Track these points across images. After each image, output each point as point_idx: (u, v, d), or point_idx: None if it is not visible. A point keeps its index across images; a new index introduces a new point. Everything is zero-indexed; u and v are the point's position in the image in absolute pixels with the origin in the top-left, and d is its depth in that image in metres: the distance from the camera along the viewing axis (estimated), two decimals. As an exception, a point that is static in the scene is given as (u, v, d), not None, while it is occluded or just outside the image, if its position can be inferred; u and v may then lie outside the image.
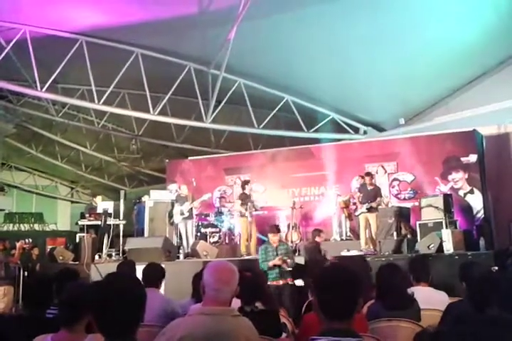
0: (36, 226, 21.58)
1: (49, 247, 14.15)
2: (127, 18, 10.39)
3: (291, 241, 11.19)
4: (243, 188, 10.57)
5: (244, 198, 10.38)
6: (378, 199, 9.74)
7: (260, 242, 11.47)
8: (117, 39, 11.32)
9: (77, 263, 9.83)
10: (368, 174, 10.09)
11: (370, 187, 9.85)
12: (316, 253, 8.51)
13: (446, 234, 8.53)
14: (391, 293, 3.85)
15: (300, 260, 8.80)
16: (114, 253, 10.59)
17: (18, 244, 10.96)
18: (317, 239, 8.84)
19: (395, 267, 4.12)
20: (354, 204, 10.59)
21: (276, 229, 7.77)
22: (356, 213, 10.01)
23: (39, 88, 11.34)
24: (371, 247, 9.46)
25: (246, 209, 10.20)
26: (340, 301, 2.19)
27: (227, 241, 11.42)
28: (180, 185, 11.59)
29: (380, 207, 9.97)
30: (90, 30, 10.98)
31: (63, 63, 11.10)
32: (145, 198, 11.70)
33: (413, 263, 4.71)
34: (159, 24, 10.43)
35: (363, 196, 9.82)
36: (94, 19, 10.55)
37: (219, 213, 11.91)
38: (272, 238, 7.59)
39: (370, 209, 9.61)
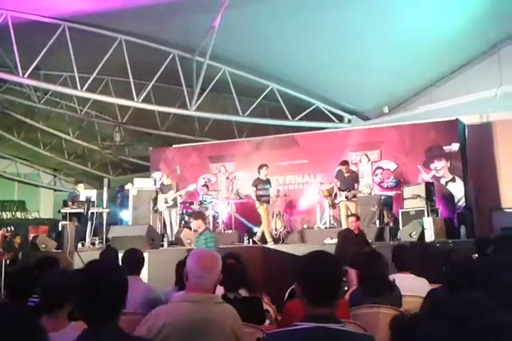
0: (18, 214, 21.38)
1: (31, 235, 14.04)
2: (111, 3, 10.24)
3: (276, 229, 11.24)
4: (258, 173, 10.43)
5: (258, 183, 10.26)
6: (356, 186, 9.76)
7: (245, 229, 11.55)
8: (100, 25, 11.17)
9: (60, 251, 9.78)
10: (344, 163, 10.08)
11: (346, 174, 9.89)
12: (348, 241, 8.09)
13: (428, 221, 8.64)
14: (372, 280, 3.90)
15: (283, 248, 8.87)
16: (97, 242, 10.55)
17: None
18: (351, 225, 8.70)
19: (376, 254, 4.16)
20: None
21: (196, 216, 7.53)
22: (336, 201, 10.05)
23: (21, 74, 11.18)
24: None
25: (262, 196, 10.14)
26: (323, 287, 2.21)
27: (211, 229, 11.42)
28: (163, 174, 11.55)
29: (360, 194, 10.03)
30: (73, 16, 10.81)
31: (45, 49, 10.95)
32: (128, 186, 11.65)
33: (396, 252, 4.76)
34: (143, 10, 10.30)
35: (341, 183, 9.88)
36: (77, 4, 10.39)
37: (204, 201, 11.89)
38: (192, 225, 7.36)
39: (348, 198, 9.66)
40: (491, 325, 1.07)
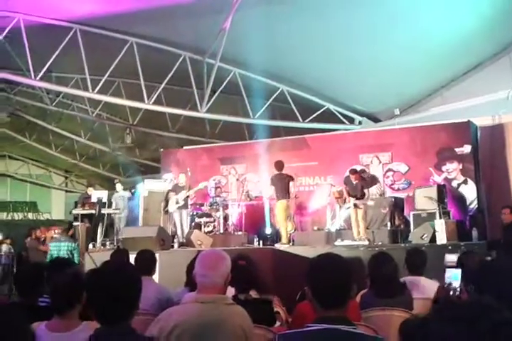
0: (30, 215, 21.55)
1: (42, 236, 14.15)
2: (122, 6, 10.31)
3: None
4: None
5: None
6: (367, 193, 9.60)
7: (255, 231, 11.54)
8: (112, 27, 11.24)
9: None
10: (353, 171, 9.88)
11: (354, 182, 9.69)
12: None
13: (440, 224, 8.59)
14: (382, 281, 3.89)
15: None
16: (108, 243, 10.61)
17: (47, 234, 11.10)
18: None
19: (386, 256, 4.14)
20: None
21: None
22: (346, 206, 9.91)
23: (33, 77, 11.28)
24: (363, 238, 9.43)
25: None
26: (334, 288, 2.21)
27: (221, 230, 11.43)
28: (178, 174, 11.57)
29: (372, 196, 9.92)
30: (85, 19, 10.89)
31: (57, 52, 11.03)
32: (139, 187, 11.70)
33: (410, 256, 4.69)
34: (154, 12, 10.36)
35: (350, 189, 9.72)
36: (89, 7, 10.47)
37: (214, 202, 11.90)
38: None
39: (356, 205, 9.53)
40: (500, 323, 1.07)
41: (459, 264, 4.07)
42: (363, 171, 10.57)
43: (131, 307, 2.11)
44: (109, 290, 2.05)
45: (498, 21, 9.88)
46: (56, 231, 12.10)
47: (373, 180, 10.54)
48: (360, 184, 9.65)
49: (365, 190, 9.61)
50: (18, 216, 21.32)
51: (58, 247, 7.93)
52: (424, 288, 4.37)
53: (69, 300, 2.82)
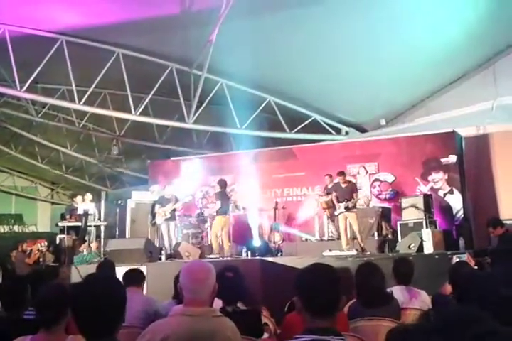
0: (16, 228, 21.30)
1: (29, 249, 14.00)
2: (109, 17, 10.31)
3: (274, 242, 11.20)
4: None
5: None
6: (354, 195, 9.59)
7: (243, 242, 11.52)
8: (98, 39, 11.24)
9: (57, 264, 9.75)
10: (341, 173, 9.86)
11: (344, 185, 9.66)
12: None
13: (427, 233, 8.64)
14: (369, 291, 3.89)
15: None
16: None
17: (33, 247, 11.00)
18: None
19: (373, 266, 4.15)
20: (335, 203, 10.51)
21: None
22: (335, 213, 9.88)
23: (19, 88, 11.20)
24: (353, 247, 9.43)
25: None
26: (323, 299, 2.20)
27: (209, 242, 11.38)
28: (164, 186, 11.53)
29: (359, 206, 9.93)
30: (71, 30, 10.88)
31: (43, 63, 10.99)
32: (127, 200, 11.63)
33: (398, 266, 4.69)
34: (141, 24, 10.38)
35: (340, 195, 9.70)
36: (75, 19, 10.46)
37: (201, 213, 11.87)
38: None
39: (347, 208, 9.51)
40: (476, 334, 1.09)
41: (450, 274, 4.07)
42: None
43: (116, 320, 2.08)
44: (94, 303, 2.03)
45: (481, 33, 10.03)
46: (42, 244, 11.96)
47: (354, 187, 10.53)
48: (349, 187, 9.63)
49: (354, 194, 9.56)
50: (3, 229, 21.06)
51: (82, 258, 8.36)
52: (412, 297, 4.38)
53: (55, 314, 2.79)
